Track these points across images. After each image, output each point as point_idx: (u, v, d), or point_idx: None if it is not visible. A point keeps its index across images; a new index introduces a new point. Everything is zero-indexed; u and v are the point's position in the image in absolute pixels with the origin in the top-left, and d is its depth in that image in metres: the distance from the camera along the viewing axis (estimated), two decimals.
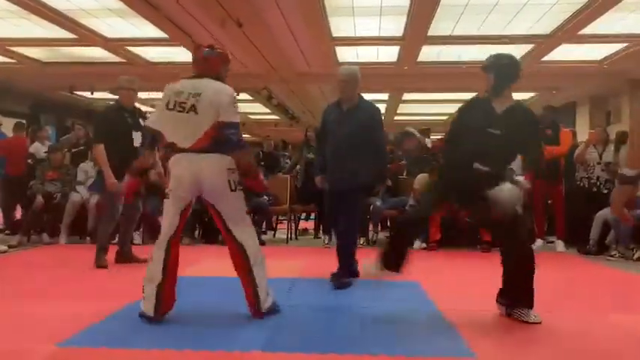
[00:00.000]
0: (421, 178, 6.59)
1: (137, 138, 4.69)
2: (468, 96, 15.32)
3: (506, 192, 2.97)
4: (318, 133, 4.88)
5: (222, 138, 3.01)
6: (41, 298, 3.44)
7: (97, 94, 12.86)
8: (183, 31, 8.40)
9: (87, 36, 8.72)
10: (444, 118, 17.19)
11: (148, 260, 3.14)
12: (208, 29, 8.25)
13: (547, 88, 12.03)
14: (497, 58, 3.28)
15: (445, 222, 6.18)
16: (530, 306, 3.20)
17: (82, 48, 9.57)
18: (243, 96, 13.39)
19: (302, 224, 8.23)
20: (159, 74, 10.84)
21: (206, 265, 5.04)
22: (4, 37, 8.96)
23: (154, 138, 3.21)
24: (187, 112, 3.00)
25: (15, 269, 4.91)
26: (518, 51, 9.38)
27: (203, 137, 3.01)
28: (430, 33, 8.35)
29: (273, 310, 3.21)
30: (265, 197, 6.65)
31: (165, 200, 3.13)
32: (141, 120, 4.90)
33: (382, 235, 7.20)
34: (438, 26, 8.06)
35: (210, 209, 3.18)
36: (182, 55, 9.90)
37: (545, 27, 8.03)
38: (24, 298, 3.07)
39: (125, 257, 4.98)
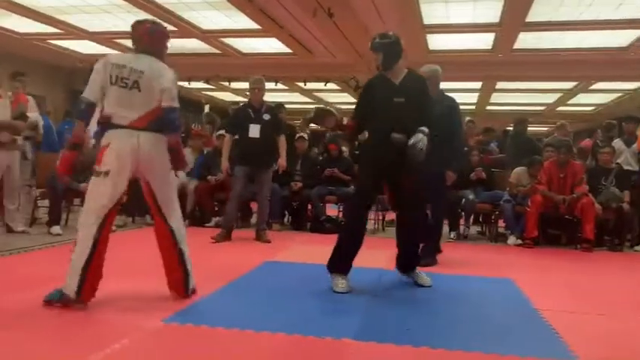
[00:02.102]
0: (518, 171, 6.33)
1: (253, 130, 5.45)
2: (567, 85, 14.46)
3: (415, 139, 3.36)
4: None
5: (162, 119, 3.02)
6: (151, 275, 3.60)
7: (194, 84, 13.43)
8: (276, 22, 8.58)
9: (185, 28, 9.13)
10: (540, 108, 16.36)
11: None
12: (299, 20, 8.37)
13: None
14: (382, 37, 3.59)
15: (543, 219, 5.90)
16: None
17: (180, 40, 10.04)
18: (330, 85, 13.49)
19: (389, 215, 8.17)
20: (250, 64, 11.20)
21: (295, 251, 5.16)
22: (111, 30, 9.59)
23: (87, 110, 3.01)
24: (130, 89, 2.97)
25: (124, 247, 5.22)
26: (624, 38, 8.74)
27: (145, 116, 3.00)
28: (529, 19, 7.98)
29: (194, 291, 3.29)
30: (352, 187, 6.66)
31: (96, 178, 2.97)
32: (265, 115, 5.55)
33: (474, 230, 7.00)
34: (537, 12, 7.68)
35: (144, 186, 3.16)
36: (272, 45, 10.13)
37: None
38: (135, 274, 3.23)
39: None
